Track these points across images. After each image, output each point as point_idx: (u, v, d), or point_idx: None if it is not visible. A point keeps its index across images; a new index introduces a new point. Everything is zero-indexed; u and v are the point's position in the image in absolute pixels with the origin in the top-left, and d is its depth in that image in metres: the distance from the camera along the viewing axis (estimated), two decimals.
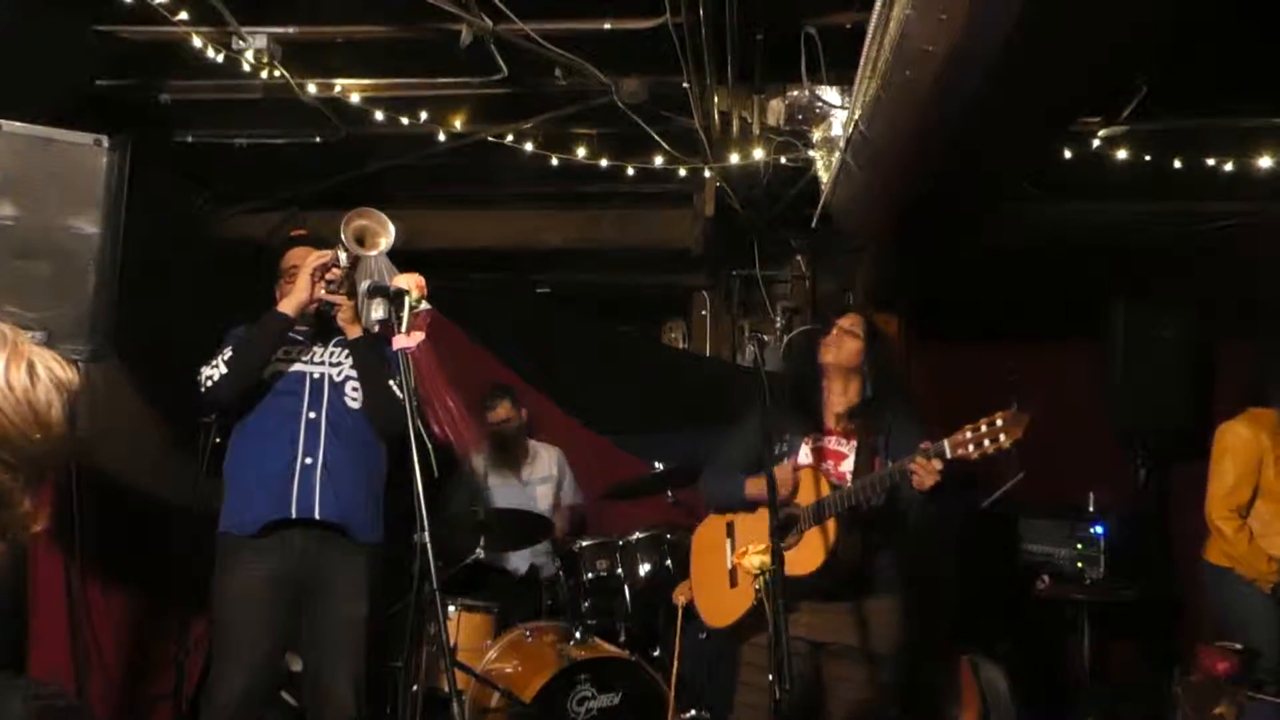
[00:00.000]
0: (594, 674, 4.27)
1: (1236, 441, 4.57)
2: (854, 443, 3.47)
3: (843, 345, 3.52)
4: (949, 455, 3.05)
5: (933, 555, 3.86)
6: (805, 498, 3.33)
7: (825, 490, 3.31)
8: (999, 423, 2.98)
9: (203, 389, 3.47)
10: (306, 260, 3.51)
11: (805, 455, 3.48)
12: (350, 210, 3.43)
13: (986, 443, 2.98)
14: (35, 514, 1.18)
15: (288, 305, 3.48)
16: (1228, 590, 4.55)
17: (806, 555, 3.27)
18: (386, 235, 3.40)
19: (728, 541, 3.59)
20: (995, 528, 5.47)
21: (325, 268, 3.48)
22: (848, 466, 3.44)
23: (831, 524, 3.26)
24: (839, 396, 3.54)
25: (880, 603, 3.38)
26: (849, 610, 3.34)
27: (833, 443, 3.50)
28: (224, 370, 3.44)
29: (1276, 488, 4.50)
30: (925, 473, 3.06)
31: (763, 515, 3.39)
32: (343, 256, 3.45)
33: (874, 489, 3.23)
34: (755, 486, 3.44)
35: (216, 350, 3.51)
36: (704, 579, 3.72)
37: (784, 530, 3.34)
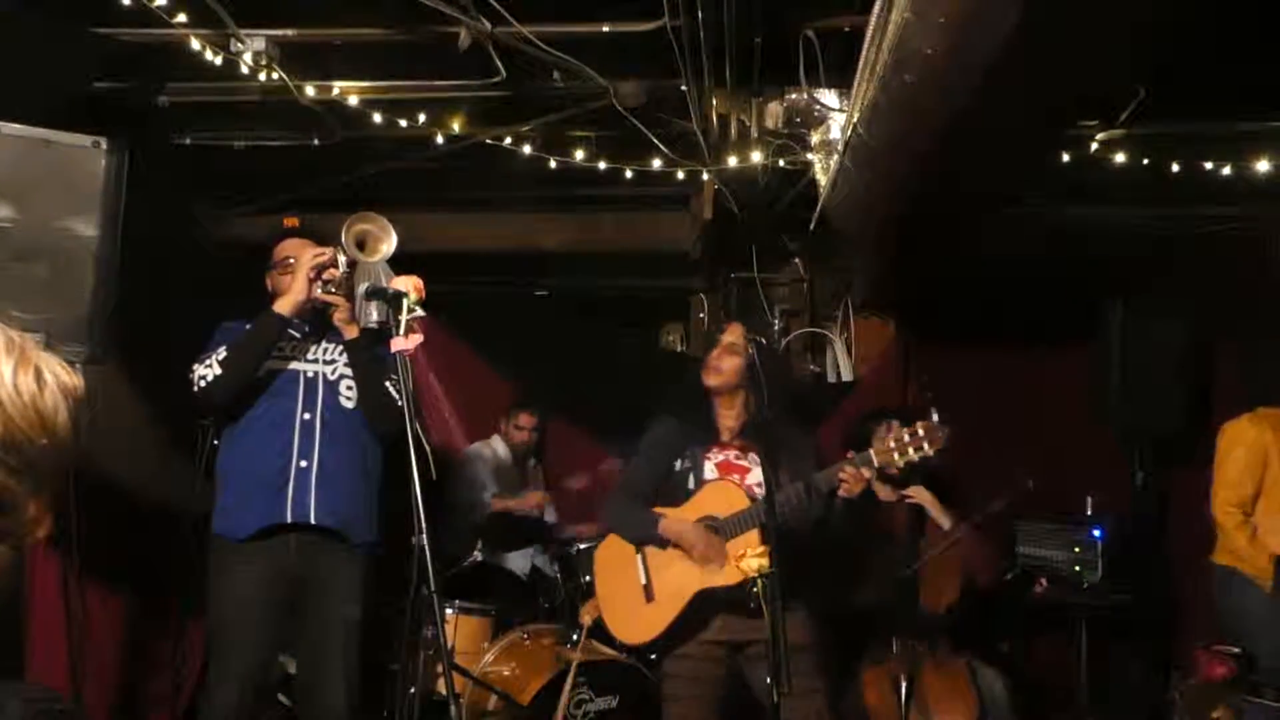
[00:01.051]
0: (591, 677, 4.26)
1: (1242, 439, 4.59)
2: (753, 455, 3.49)
3: (723, 364, 3.52)
4: (875, 463, 3.26)
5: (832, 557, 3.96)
6: (724, 509, 3.36)
7: (743, 502, 3.32)
8: (920, 433, 3.22)
9: (196, 388, 3.44)
10: (303, 259, 3.48)
11: (711, 470, 3.51)
12: (352, 213, 3.42)
13: (911, 451, 3.22)
14: (39, 519, 1.18)
15: (284, 305, 3.45)
16: (1234, 593, 4.55)
17: (730, 566, 3.27)
18: (388, 241, 3.38)
19: (638, 558, 3.55)
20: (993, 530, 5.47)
21: (322, 268, 3.46)
22: (755, 479, 3.45)
23: (754, 535, 3.28)
24: (727, 411, 3.56)
25: (797, 603, 3.40)
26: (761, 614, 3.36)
27: (733, 457, 3.52)
28: (218, 370, 3.41)
29: None
30: (854, 481, 3.26)
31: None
32: (341, 259, 3.43)
33: (801, 497, 3.30)
34: (671, 527, 3.45)
35: (209, 348, 3.48)
36: (615, 597, 3.67)
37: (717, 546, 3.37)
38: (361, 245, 3.38)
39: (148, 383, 4.45)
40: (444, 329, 5.57)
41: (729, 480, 3.44)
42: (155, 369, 4.18)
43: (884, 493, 4.59)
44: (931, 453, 3.21)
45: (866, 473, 3.26)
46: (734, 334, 3.56)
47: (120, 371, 4.23)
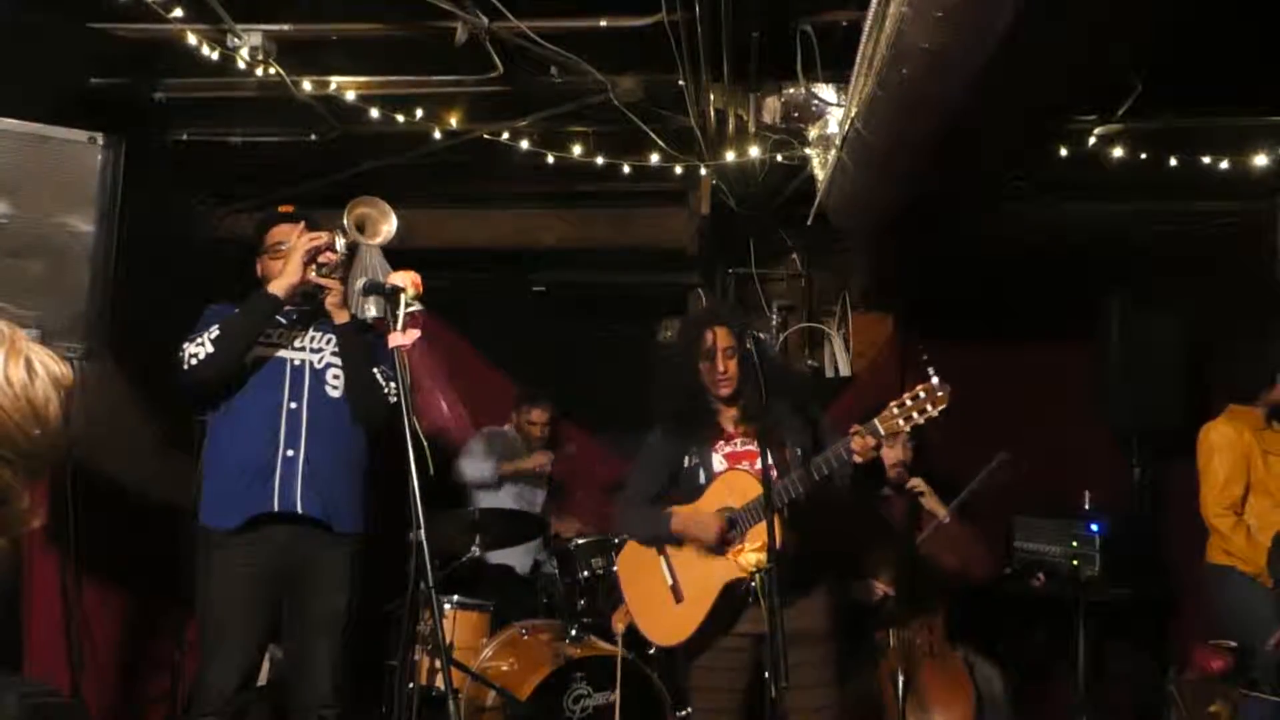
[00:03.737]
0: (590, 672, 4.27)
1: (1222, 440, 4.63)
2: (758, 441, 3.47)
3: (730, 370, 3.51)
4: (882, 433, 3.20)
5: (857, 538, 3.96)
6: (739, 498, 3.36)
7: (757, 488, 3.31)
8: (921, 395, 3.15)
9: (185, 366, 3.42)
10: (298, 241, 3.46)
11: (720, 462, 3.51)
12: (353, 198, 3.41)
13: (915, 415, 3.15)
14: (33, 510, 1.18)
15: (278, 287, 3.44)
16: (1230, 591, 4.56)
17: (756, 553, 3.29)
18: (388, 224, 3.37)
19: (661, 559, 3.55)
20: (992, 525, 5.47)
21: (318, 250, 3.44)
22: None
23: (776, 519, 3.28)
24: (728, 408, 3.57)
25: (815, 590, 3.45)
26: (791, 601, 3.33)
27: (739, 445, 3.52)
28: (210, 349, 3.39)
29: (1267, 482, 4.55)
30: (863, 448, 3.22)
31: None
32: (340, 242, 3.42)
33: (815, 474, 3.29)
34: (681, 521, 3.45)
35: (198, 328, 3.46)
36: (644, 601, 3.65)
37: (727, 533, 3.37)
38: (361, 228, 3.37)
39: (145, 379, 4.44)
40: (442, 324, 5.57)
41: (738, 469, 3.43)
42: (152, 365, 4.17)
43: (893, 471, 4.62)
44: (936, 413, 3.14)
45: (872, 440, 3.21)
46: (725, 337, 3.54)
47: (117, 367, 4.22)
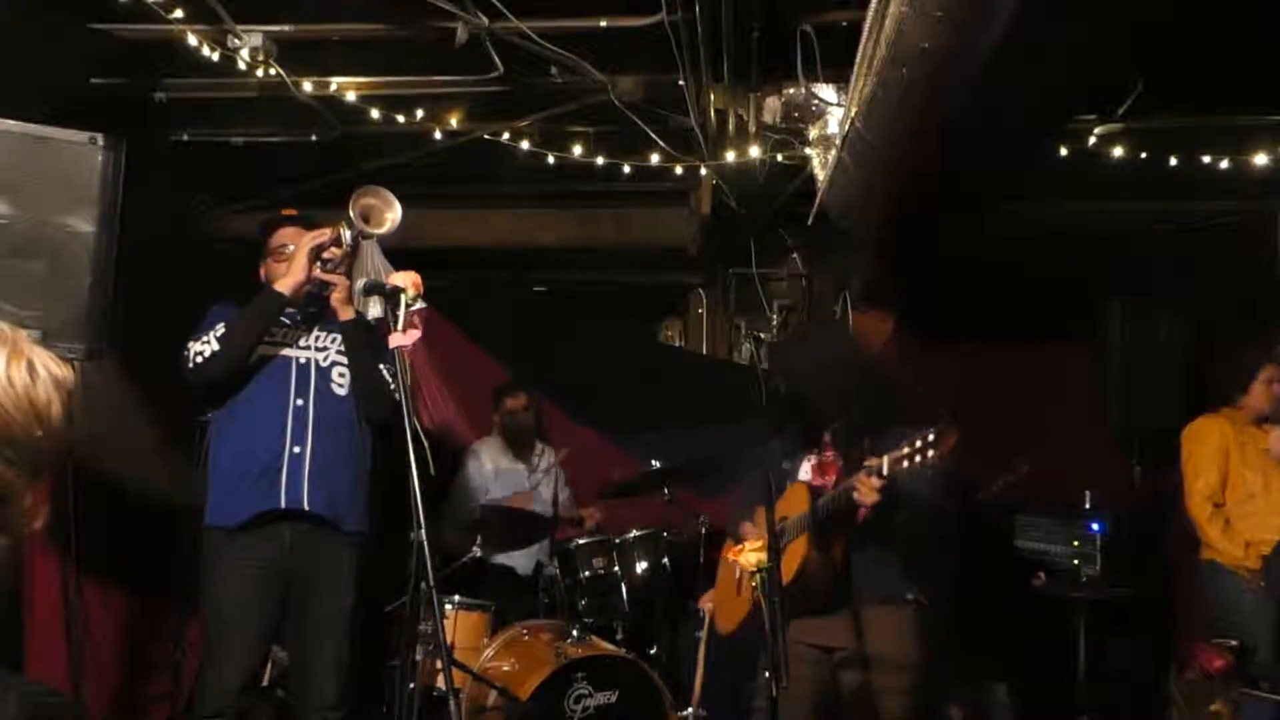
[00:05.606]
0: (591, 672, 4.26)
1: (1200, 433, 4.74)
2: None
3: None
4: (886, 472, 3.10)
5: (932, 565, 3.88)
6: (794, 510, 3.37)
7: (806, 504, 3.34)
8: (931, 438, 3.04)
9: (190, 365, 3.42)
10: (303, 240, 3.46)
11: (806, 471, 3.52)
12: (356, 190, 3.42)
13: (919, 458, 3.04)
14: (35, 510, 1.19)
15: (284, 285, 3.44)
16: (1218, 588, 4.59)
17: (786, 566, 3.28)
18: (392, 213, 3.36)
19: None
20: (992, 524, 5.47)
21: (323, 246, 3.45)
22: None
23: (805, 537, 3.29)
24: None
25: (883, 611, 3.36)
26: (849, 618, 3.33)
27: (830, 458, 3.52)
28: (215, 347, 3.39)
29: (1243, 473, 4.60)
30: (865, 490, 3.12)
31: (761, 522, 3.44)
32: (346, 235, 3.42)
33: (831, 505, 3.28)
34: (746, 530, 3.49)
35: (204, 327, 3.46)
36: (720, 588, 3.85)
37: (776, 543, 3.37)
38: (366, 219, 3.37)
39: (146, 380, 4.44)
40: (444, 323, 5.56)
41: (803, 483, 3.45)
42: (153, 366, 4.18)
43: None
44: (937, 459, 3.02)
45: (876, 481, 3.11)
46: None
47: (118, 369, 4.23)
